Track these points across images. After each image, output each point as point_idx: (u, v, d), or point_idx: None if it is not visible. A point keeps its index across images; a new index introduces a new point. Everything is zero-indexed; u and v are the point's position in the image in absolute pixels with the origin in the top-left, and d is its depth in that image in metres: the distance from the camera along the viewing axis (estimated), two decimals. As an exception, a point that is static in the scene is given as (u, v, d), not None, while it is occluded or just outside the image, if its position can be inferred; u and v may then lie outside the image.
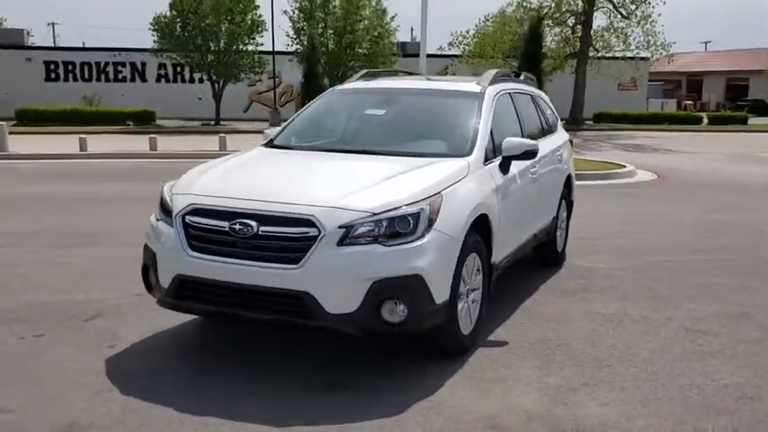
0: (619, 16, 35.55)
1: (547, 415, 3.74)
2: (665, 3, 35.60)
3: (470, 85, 5.73)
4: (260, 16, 33.39)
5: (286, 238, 3.97)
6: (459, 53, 38.27)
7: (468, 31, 38.52)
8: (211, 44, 32.23)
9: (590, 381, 4.19)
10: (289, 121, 5.86)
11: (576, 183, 7.69)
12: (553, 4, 35.41)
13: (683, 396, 3.98)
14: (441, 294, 4.10)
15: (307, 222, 3.94)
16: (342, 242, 3.90)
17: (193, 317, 5.06)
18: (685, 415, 3.75)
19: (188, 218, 4.23)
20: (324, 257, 3.88)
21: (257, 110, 40.03)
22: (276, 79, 37.83)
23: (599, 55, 36.33)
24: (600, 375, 4.27)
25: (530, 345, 4.77)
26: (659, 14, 35.09)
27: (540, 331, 5.03)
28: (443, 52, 39.58)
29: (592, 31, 35.81)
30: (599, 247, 7.88)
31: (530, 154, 5.14)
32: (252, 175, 4.81)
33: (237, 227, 4.02)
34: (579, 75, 35.77)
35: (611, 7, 35.52)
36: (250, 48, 33.31)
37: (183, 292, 4.24)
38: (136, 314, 5.34)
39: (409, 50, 38.81)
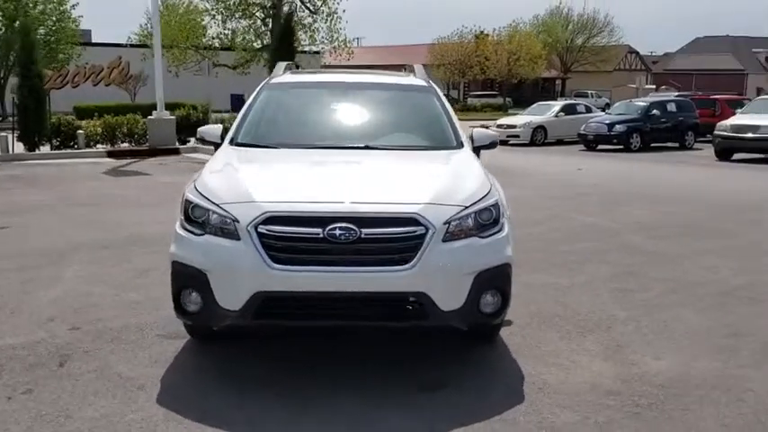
0: (307, 11, 37.04)
1: (615, 369, 4.28)
2: (348, -1, 38.04)
3: (415, 80, 5.96)
4: None
5: (392, 239, 3.85)
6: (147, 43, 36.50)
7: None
8: None
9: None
10: (240, 118, 5.43)
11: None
12: (241, -3, 35.56)
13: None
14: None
15: (410, 221, 3.87)
16: (446, 238, 3.93)
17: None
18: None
19: (263, 228, 3.85)
20: (434, 255, 3.86)
21: None
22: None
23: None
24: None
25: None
26: (344, 10, 36.95)
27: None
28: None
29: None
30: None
31: (494, 144, 5.56)
32: (301, 176, 4.47)
33: (338, 232, 3.79)
34: (271, 68, 36.51)
35: (298, 3, 36.84)
36: None
37: (268, 310, 3.87)
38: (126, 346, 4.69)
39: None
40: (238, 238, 3.88)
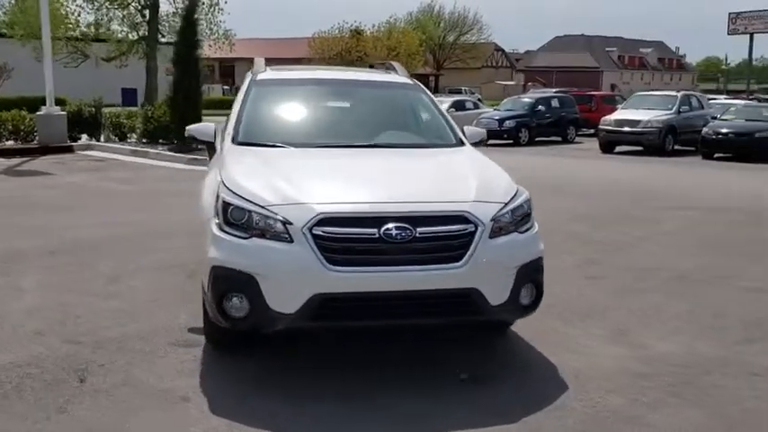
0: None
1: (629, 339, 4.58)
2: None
3: (400, 77, 6.03)
4: None
5: (445, 237, 3.92)
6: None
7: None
8: None
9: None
10: (236, 116, 5.26)
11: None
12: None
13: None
14: None
15: (460, 219, 3.96)
16: (492, 234, 4.04)
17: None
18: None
19: (317, 230, 3.81)
20: (484, 251, 3.96)
21: None
22: None
23: (164, 40, 36.13)
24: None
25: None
26: (225, 2, 35.96)
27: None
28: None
29: (159, 17, 35.37)
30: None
31: (483, 141, 5.73)
32: (340, 175, 4.42)
33: (394, 232, 3.81)
34: (150, 61, 35.12)
35: (178, -8, 35.53)
36: None
37: (325, 312, 3.83)
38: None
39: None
40: (291, 241, 3.82)
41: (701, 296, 5.94)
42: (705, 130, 19.65)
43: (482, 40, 70.60)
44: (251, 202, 3.97)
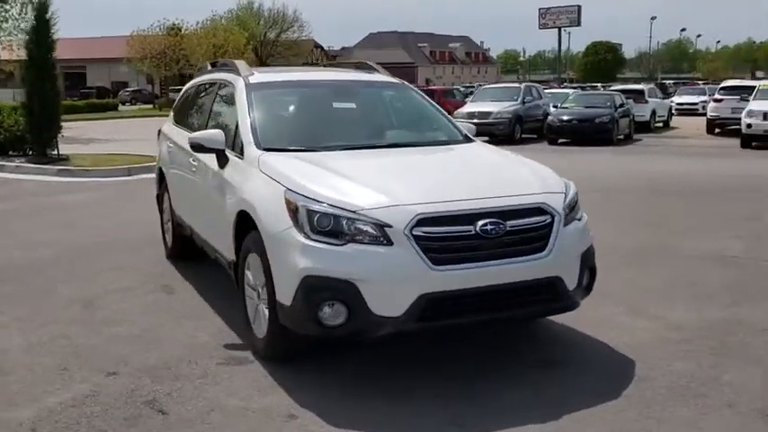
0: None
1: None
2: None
3: (386, 77, 6.07)
4: None
5: (530, 229, 4.08)
6: None
7: None
8: None
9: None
10: (249, 123, 5.02)
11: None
12: None
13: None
14: None
15: (539, 210, 4.15)
16: (564, 224, 4.25)
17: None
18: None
19: (417, 230, 3.82)
20: (560, 240, 4.16)
21: None
22: None
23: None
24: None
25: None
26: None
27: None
28: None
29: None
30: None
31: (475, 136, 5.94)
32: (413, 176, 4.44)
33: (489, 227, 3.92)
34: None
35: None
36: None
37: (432, 312, 3.85)
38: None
39: None
40: (391, 243, 3.81)
41: (668, 268, 6.56)
42: (550, 117, 21.27)
43: (303, 37, 70.63)
44: (338, 207, 3.90)
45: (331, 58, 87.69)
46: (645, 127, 24.56)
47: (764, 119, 18.15)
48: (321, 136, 5.14)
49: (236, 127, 5.11)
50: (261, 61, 67.40)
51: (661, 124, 27.08)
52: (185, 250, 6.89)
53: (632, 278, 6.25)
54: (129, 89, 61.70)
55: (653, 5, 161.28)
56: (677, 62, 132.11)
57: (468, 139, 5.45)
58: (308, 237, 3.89)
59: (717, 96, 24.00)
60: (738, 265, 6.69)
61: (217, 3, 64.21)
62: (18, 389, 4.16)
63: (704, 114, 32.33)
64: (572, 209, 4.40)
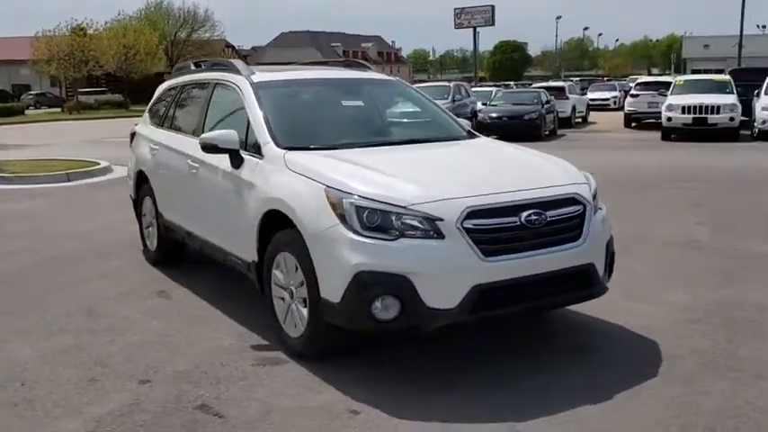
0: None
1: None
2: None
3: (379, 74, 6.14)
4: None
5: (567, 218, 4.24)
6: None
7: None
8: None
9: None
10: (262, 121, 4.95)
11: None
12: None
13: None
14: None
15: (572, 200, 4.30)
16: (593, 213, 4.44)
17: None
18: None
19: (468, 223, 3.91)
20: (592, 229, 4.34)
21: None
22: None
23: None
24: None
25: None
26: None
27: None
28: None
29: None
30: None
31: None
32: (439, 169, 4.56)
33: (533, 217, 4.05)
34: None
35: None
36: None
37: (484, 302, 3.94)
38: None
39: None
40: (443, 237, 3.88)
41: (647, 255, 6.88)
42: (480, 115, 21.76)
43: (215, 37, 69.38)
44: (386, 203, 3.94)
45: (242, 58, 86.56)
46: (566, 122, 25.42)
47: (683, 112, 19.15)
48: (338, 134, 5.15)
49: (248, 127, 5.05)
50: (172, 62, 65.83)
51: (580, 119, 28.10)
52: (172, 255, 6.74)
53: (617, 266, 6.49)
54: (32, 92, 59.01)
55: (560, 6, 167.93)
56: (578, 60, 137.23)
57: (471, 134, 5.57)
58: (357, 233, 3.91)
59: (633, 92, 25.15)
60: (712, 249, 7.09)
61: (123, 2, 61.97)
62: (52, 401, 4.00)
63: (616, 109, 34.12)
64: (595, 198, 4.59)
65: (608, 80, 52.80)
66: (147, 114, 7.24)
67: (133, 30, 49.77)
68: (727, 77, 21.51)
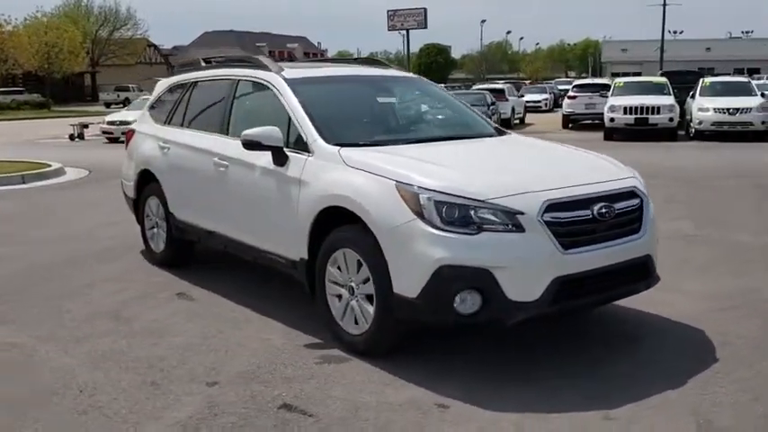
0: None
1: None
2: None
3: (405, 72, 6.14)
4: None
5: (630, 211, 4.36)
6: None
7: None
8: None
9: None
10: (303, 119, 4.86)
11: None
12: None
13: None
14: None
15: (632, 194, 4.43)
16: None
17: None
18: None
19: (547, 216, 3.96)
20: (648, 221, 4.48)
21: None
22: None
23: None
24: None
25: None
26: None
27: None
28: None
29: None
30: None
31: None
32: (500, 165, 4.63)
33: (604, 210, 4.13)
34: None
35: None
36: None
37: (563, 294, 4.00)
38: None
39: None
40: (523, 230, 3.93)
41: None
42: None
43: (138, 36, 67.53)
44: (465, 197, 3.95)
45: (164, 57, 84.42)
46: (506, 123, 25.90)
47: (625, 113, 19.84)
48: (381, 130, 5.14)
49: (289, 124, 4.95)
50: (93, 61, 63.69)
51: (518, 121, 28.72)
52: (181, 256, 6.55)
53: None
54: (-61, 93, 55.75)
55: (486, 10, 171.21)
56: (498, 63, 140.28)
57: (500, 131, 5.63)
58: (438, 228, 3.91)
59: (571, 93, 25.84)
60: (706, 242, 7.40)
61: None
62: (122, 407, 3.82)
63: (548, 111, 35.06)
64: None
65: (531, 83, 54.17)
66: (147, 113, 7.00)
67: (55, 27, 47.70)
68: (663, 79, 22.40)
